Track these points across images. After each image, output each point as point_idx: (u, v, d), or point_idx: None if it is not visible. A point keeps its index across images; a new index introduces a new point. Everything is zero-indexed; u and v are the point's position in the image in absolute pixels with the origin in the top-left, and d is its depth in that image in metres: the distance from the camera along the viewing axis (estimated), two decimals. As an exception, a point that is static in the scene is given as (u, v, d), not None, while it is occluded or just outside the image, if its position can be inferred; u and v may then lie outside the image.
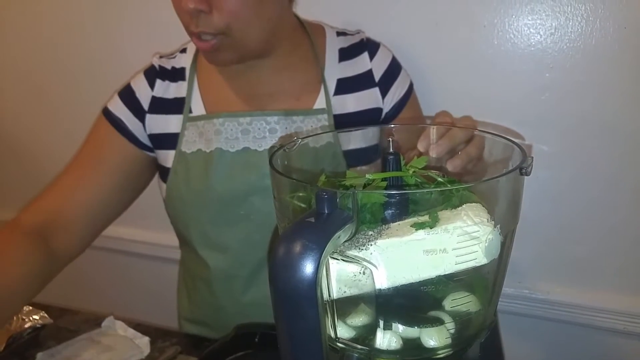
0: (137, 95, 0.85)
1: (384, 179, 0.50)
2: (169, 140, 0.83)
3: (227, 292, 0.86)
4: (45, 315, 0.88)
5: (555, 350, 1.14)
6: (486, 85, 1.01)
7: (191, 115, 0.82)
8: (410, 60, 0.91)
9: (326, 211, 0.38)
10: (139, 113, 0.84)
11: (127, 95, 0.85)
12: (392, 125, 0.67)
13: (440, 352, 0.45)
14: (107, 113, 0.85)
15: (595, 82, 0.95)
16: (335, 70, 0.83)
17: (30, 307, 0.89)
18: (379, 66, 0.85)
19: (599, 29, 0.93)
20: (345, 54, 0.85)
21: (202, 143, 0.80)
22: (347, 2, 1.04)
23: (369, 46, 0.87)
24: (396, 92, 0.86)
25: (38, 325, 0.86)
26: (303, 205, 0.46)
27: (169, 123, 0.83)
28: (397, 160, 0.50)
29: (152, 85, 0.85)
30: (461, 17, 0.99)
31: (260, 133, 0.79)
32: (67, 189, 0.82)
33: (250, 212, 0.80)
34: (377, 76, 0.85)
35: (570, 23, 0.94)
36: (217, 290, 0.87)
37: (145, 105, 0.84)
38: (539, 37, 0.96)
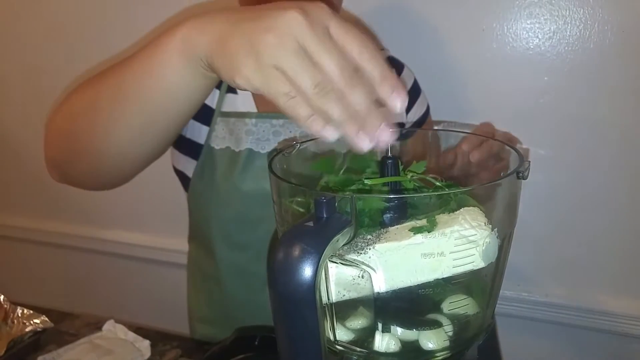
0: None
1: (383, 184, 0.50)
2: (203, 113, 0.80)
3: (241, 291, 0.87)
4: (46, 319, 0.88)
5: (554, 353, 1.14)
6: (485, 89, 1.02)
7: (227, 101, 0.81)
8: (409, 65, 0.92)
9: (325, 215, 0.39)
10: None
11: None
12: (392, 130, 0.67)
13: (438, 354, 0.45)
14: None
15: (593, 85, 0.96)
16: None
17: (31, 311, 0.89)
18: (405, 82, 0.86)
19: (597, 32, 0.93)
20: None
21: (231, 141, 0.80)
22: (345, 6, 1.04)
23: (394, 65, 0.89)
24: (415, 112, 0.88)
25: (39, 329, 0.86)
26: (302, 210, 0.47)
27: (213, 95, 0.81)
28: (395, 165, 0.51)
29: None
30: (460, 22, 1.00)
31: (292, 136, 0.80)
32: None
33: (273, 213, 0.80)
34: None
35: (569, 27, 0.95)
36: (231, 289, 0.87)
37: None
38: (537, 40, 0.97)
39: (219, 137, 0.81)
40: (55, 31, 1.31)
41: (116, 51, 1.25)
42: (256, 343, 0.74)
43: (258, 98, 0.82)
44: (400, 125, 0.86)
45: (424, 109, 0.90)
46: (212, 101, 0.81)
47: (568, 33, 0.95)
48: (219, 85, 0.82)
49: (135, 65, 0.53)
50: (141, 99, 0.53)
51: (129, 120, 0.55)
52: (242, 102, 0.81)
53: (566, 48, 0.96)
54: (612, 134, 0.97)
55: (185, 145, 0.84)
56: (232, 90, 0.82)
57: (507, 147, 0.52)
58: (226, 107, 0.82)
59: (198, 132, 0.82)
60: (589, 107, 0.97)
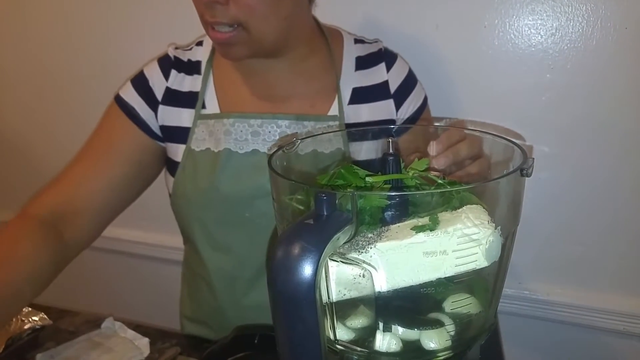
0: (151, 84, 0.84)
1: (385, 182, 0.50)
2: (179, 134, 0.83)
3: (227, 293, 0.86)
4: (45, 316, 0.88)
5: (555, 351, 1.14)
6: (487, 86, 1.01)
7: (203, 112, 0.82)
8: (411, 62, 0.91)
9: (325, 213, 0.38)
10: (151, 102, 0.84)
11: (140, 83, 0.84)
12: (394, 126, 0.66)
13: (440, 354, 0.45)
14: (119, 100, 0.85)
15: (596, 82, 0.95)
16: (351, 78, 0.83)
17: (30, 309, 0.88)
18: (395, 78, 0.85)
19: (600, 29, 0.92)
20: (362, 63, 0.84)
21: (211, 142, 0.80)
22: (346, 3, 1.04)
23: (387, 57, 0.86)
24: (410, 104, 0.85)
25: (37, 327, 0.86)
26: (302, 207, 0.46)
27: (181, 117, 0.83)
28: (397, 162, 0.50)
29: (166, 75, 0.84)
30: (462, 18, 0.99)
31: (271, 136, 0.79)
32: (78, 177, 0.82)
33: (256, 215, 0.80)
34: (392, 88, 0.84)
35: (571, 23, 0.94)
36: (217, 291, 0.87)
37: (159, 95, 0.84)
38: (539, 37, 0.96)
39: (199, 139, 0.81)
40: (57, 28, 1.30)
41: (117, 49, 1.25)
42: (255, 341, 0.74)
43: (222, 103, 0.82)
44: (391, 122, 0.85)
45: (420, 100, 0.87)
46: (180, 120, 0.83)
47: (570, 30, 0.94)
48: (186, 104, 0.84)
49: None
50: None
51: None
52: (209, 105, 0.82)
53: (569, 45, 0.95)
54: (615, 131, 0.96)
55: (168, 166, 0.87)
56: (203, 105, 0.82)
57: (511, 145, 0.52)
58: (166, 121, 0.84)
59: (175, 152, 0.84)
60: (592, 104, 0.96)
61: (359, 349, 0.45)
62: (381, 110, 0.83)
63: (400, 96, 0.85)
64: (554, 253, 1.07)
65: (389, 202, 0.46)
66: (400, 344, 0.45)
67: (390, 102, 0.84)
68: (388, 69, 0.85)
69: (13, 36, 1.35)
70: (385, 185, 0.49)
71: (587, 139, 0.98)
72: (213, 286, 0.87)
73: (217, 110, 0.82)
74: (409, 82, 0.86)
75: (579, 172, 1.00)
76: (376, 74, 0.84)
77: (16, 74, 1.39)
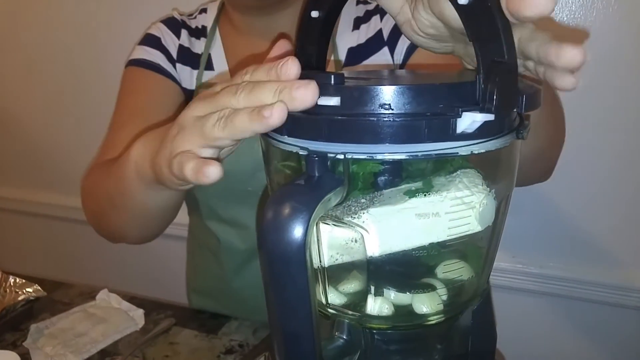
0: (164, 42, 0.81)
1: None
2: (189, 96, 0.82)
3: (233, 264, 0.86)
4: (39, 288, 0.88)
5: (548, 325, 1.15)
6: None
7: (205, 79, 0.80)
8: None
9: (316, 174, 0.38)
10: (170, 59, 0.81)
11: (153, 42, 0.81)
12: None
13: (431, 318, 0.45)
14: (136, 62, 0.81)
15: (600, 78, 0.95)
16: (347, 38, 0.81)
17: (24, 280, 0.88)
18: (388, 23, 0.81)
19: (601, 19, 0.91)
20: (359, 21, 0.82)
21: None
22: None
23: (382, 9, 0.84)
24: (402, 45, 0.80)
25: (31, 298, 0.86)
26: (290, 172, 0.46)
27: (192, 78, 0.82)
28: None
29: (177, 34, 0.82)
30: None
31: None
32: (129, 141, 0.76)
33: (258, 188, 0.79)
34: (385, 34, 0.81)
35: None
36: (223, 262, 0.87)
37: (174, 53, 0.81)
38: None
39: None
40: (52, 23, 1.29)
41: (114, 44, 1.24)
42: None
43: (233, 75, 0.81)
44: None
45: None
46: (191, 82, 0.81)
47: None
48: (196, 65, 0.81)
49: (117, 184, 0.59)
50: (130, 207, 0.61)
51: (130, 213, 0.63)
52: (219, 78, 0.80)
53: (569, 15, 0.94)
54: (619, 116, 0.96)
55: None
56: (209, 67, 0.81)
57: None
58: (183, 83, 0.82)
59: None
60: (595, 100, 0.96)
61: (350, 312, 0.45)
62: (377, 62, 0.81)
63: (393, 38, 0.81)
64: (548, 226, 1.07)
65: (383, 167, 0.45)
66: (392, 308, 0.44)
67: (385, 50, 0.81)
68: (382, 17, 0.82)
69: (15, 31, 1.34)
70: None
71: (584, 115, 0.98)
72: (219, 256, 0.87)
73: (226, 69, 0.80)
74: None
75: (573, 149, 1.00)
76: (371, 27, 0.82)
77: (14, 62, 1.39)
